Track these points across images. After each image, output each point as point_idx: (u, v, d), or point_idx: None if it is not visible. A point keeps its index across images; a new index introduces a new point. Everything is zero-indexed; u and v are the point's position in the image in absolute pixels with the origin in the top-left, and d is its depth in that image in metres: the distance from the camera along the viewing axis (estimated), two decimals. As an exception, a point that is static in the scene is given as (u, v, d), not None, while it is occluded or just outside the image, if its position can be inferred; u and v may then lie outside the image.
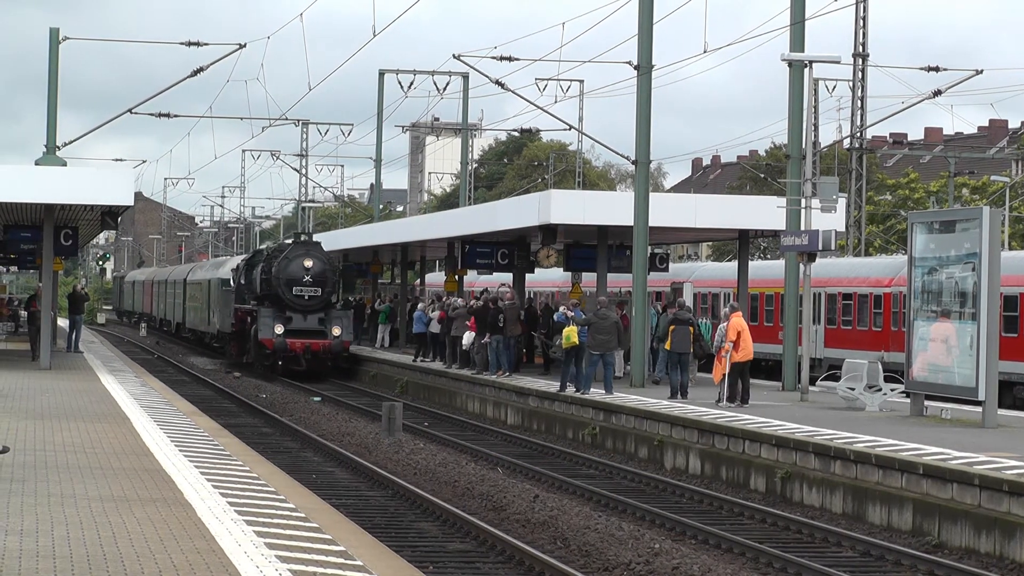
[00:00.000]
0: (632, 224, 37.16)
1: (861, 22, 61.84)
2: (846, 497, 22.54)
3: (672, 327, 33.44)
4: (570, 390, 34.41)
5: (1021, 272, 38.92)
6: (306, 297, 51.81)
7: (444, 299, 48.44)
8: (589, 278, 45.60)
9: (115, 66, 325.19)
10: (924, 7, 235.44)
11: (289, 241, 56.04)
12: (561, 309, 35.62)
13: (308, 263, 52.14)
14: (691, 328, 33.89)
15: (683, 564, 17.20)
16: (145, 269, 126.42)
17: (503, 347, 40.31)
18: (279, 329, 51.28)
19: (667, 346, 33.90)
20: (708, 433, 27.41)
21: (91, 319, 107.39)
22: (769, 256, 75.73)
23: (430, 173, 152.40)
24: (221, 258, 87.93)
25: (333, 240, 66.24)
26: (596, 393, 33.71)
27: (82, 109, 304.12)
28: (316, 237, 60.49)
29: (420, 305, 50.40)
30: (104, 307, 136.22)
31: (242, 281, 57.01)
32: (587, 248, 44.18)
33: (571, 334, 34.02)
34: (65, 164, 43.22)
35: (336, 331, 51.61)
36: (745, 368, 31.32)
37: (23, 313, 56.57)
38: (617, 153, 43.85)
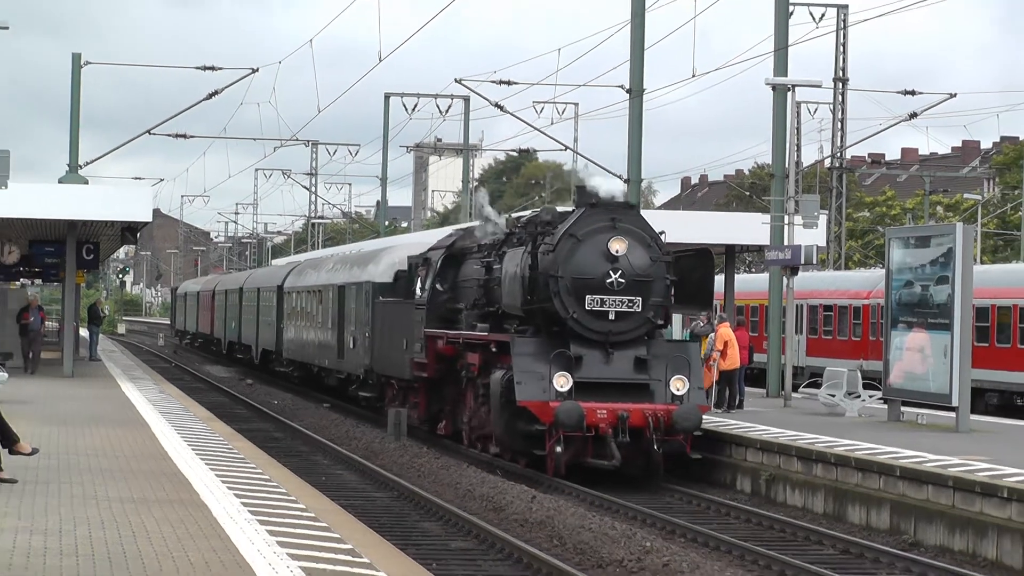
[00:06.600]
0: (624, 239, 37.12)
1: (841, 48, 61.98)
2: (827, 498, 22.53)
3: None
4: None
5: (991, 285, 38.96)
6: (611, 315, 25.77)
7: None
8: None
9: (125, 89, 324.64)
10: (871, 32, 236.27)
11: (567, 208, 28.20)
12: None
13: (617, 246, 25.88)
14: None
15: (672, 561, 17.18)
16: (202, 278, 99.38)
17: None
18: (562, 382, 25.19)
19: None
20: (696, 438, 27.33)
21: (112, 330, 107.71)
22: (754, 270, 75.72)
23: (433, 191, 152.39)
24: (359, 247, 54.55)
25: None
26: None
27: (95, 130, 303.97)
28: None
29: None
30: (124, 318, 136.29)
31: (439, 286, 31.15)
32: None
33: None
34: (87, 183, 43.36)
35: (678, 386, 25.57)
36: (733, 375, 31.32)
37: (49, 324, 56.07)
38: (610, 172, 43.73)
